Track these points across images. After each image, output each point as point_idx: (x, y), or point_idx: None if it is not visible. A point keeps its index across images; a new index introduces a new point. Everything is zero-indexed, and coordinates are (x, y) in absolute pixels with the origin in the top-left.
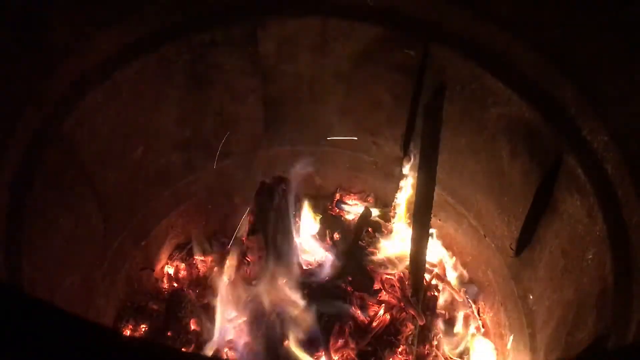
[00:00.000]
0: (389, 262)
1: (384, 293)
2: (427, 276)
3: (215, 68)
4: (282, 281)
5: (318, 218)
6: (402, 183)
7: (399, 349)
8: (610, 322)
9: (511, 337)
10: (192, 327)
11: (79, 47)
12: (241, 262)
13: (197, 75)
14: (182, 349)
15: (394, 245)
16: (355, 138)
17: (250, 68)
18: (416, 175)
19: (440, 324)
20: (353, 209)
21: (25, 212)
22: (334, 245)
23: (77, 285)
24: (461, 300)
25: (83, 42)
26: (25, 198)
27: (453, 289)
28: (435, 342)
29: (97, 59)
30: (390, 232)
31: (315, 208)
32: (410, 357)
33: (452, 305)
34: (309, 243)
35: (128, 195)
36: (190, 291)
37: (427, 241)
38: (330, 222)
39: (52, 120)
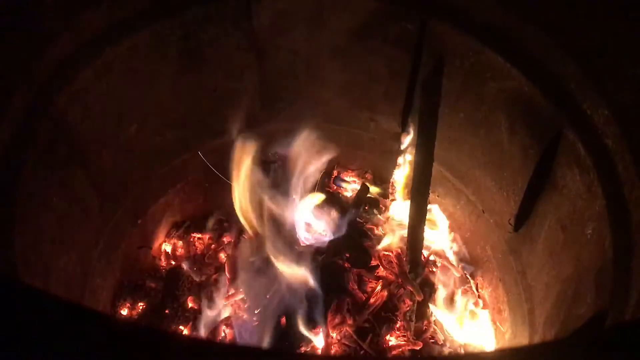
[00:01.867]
0: (387, 238)
1: (382, 269)
2: (425, 252)
3: (209, 44)
4: (279, 258)
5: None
6: (400, 159)
7: (397, 325)
8: (608, 298)
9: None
10: (190, 304)
11: (69, 23)
12: (238, 239)
13: (191, 51)
14: (180, 327)
15: (392, 221)
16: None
17: (245, 43)
18: (414, 151)
19: (438, 300)
20: (351, 186)
21: (18, 191)
22: (331, 222)
23: (72, 265)
24: (459, 275)
25: (73, 18)
26: (18, 177)
27: (451, 264)
28: (433, 318)
29: (88, 36)
30: (388, 208)
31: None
32: (408, 333)
33: (450, 280)
34: (307, 219)
35: (123, 174)
36: (188, 269)
37: (425, 217)
38: (328, 198)
39: (43, 98)
